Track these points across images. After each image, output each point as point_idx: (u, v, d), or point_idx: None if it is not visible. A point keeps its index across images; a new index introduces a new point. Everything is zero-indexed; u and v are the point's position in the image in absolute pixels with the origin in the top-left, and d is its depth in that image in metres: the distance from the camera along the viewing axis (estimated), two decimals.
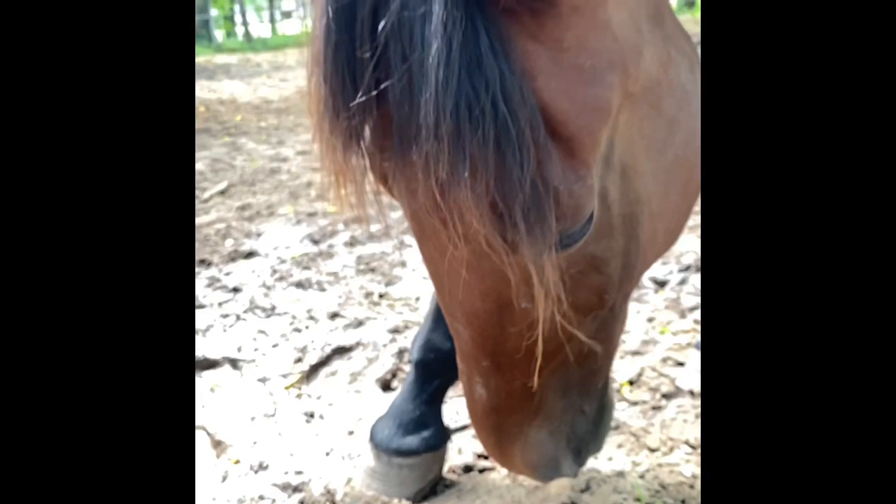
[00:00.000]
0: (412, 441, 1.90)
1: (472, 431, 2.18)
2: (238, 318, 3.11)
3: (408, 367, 2.55)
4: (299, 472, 2.07)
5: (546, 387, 1.15)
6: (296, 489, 2.01)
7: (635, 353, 2.58)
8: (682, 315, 2.85)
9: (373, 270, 3.55)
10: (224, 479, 2.07)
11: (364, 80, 0.82)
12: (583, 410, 1.29)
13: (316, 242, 4.03)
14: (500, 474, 1.99)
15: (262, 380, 2.60)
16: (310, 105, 0.88)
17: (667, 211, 1.15)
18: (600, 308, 1.12)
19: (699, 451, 2.02)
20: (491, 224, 0.83)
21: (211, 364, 2.73)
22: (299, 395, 2.49)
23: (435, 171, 0.79)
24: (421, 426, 1.92)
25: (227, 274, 3.64)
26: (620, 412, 2.24)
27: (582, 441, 1.33)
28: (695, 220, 3.87)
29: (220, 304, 3.26)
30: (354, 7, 0.80)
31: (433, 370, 1.93)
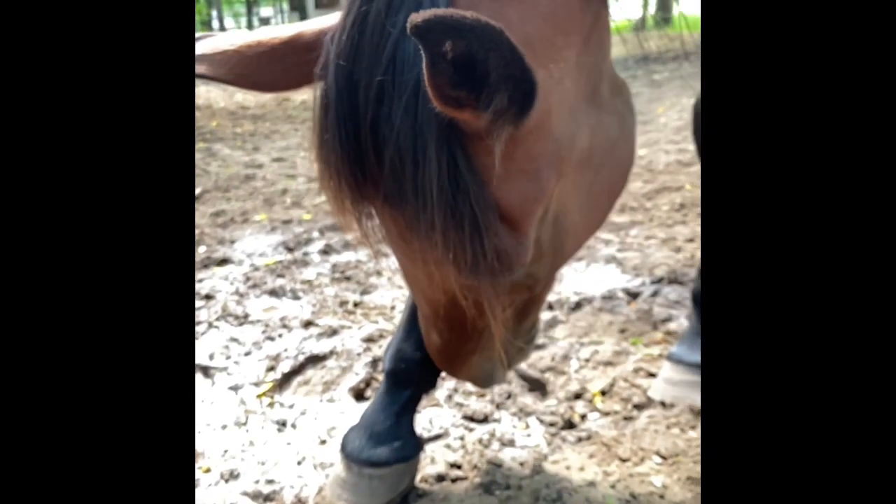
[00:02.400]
0: (383, 452, 1.89)
1: (445, 441, 2.19)
2: (210, 325, 3.08)
3: (381, 377, 2.55)
4: (270, 481, 2.05)
5: (486, 333, 1.42)
6: (267, 498, 1.99)
7: (607, 363, 2.60)
8: (655, 327, 2.89)
9: (347, 279, 3.54)
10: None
11: (371, 177, 1.09)
12: (513, 344, 1.59)
13: (290, 250, 4.01)
14: (472, 483, 1.99)
15: (234, 388, 2.58)
16: (323, 187, 1.15)
17: (591, 224, 1.46)
18: (530, 293, 1.44)
19: (670, 461, 2.04)
20: (461, 281, 1.15)
21: None
22: (271, 404, 2.47)
23: (431, 255, 1.08)
24: (392, 437, 1.91)
25: (200, 281, 3.60)
26: (592, 422, 2.26)
27: (512, 358, 1.67)
28: (667, 232, 3.92)
29: None
30: (359, 135, 1.05)
31: (404, 380, 1.93)
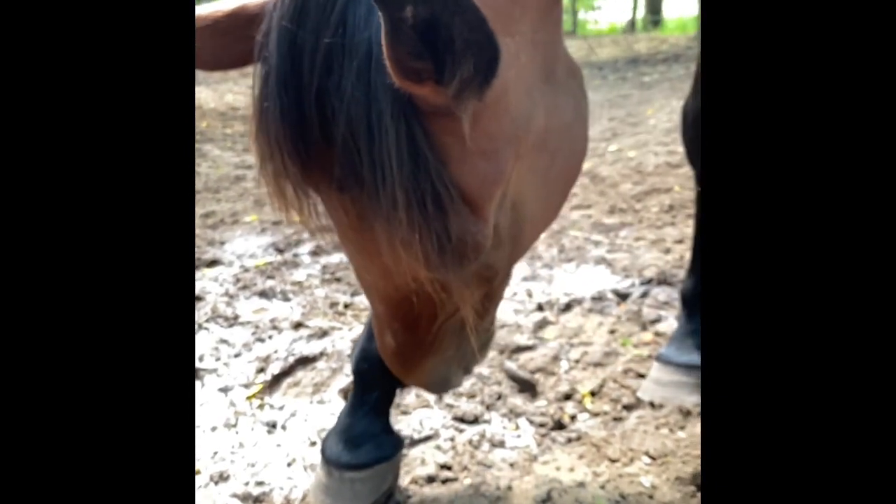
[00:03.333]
0: (361, 454, 1.88)
1: (435, 442, 2.19)
2: (200, 326, 3.07)
3: None
4: (260, 483, 2.05)
5: (441, 334, 1.38)
6: (256, 500, 1.99)
7: (597, 364, 2.61)
8: (644, 327, 2.90)
9: (338, 280, 3.54)
10: None
11: (317, 156, 0.99)
12: (470, 345, 1.51)
13: (280, 251, 4.00)
14: (462, 484, 2.00)
15: (224, 389, 2.57)
16: (262, 169, 1.05)
17: (547, 214, 1.41)
18: (489, 287, 1.38)
19: (659, 461, 2.05)
20: (425, 270, 1.06)
21: None
22: (261, 406, 2.47)
23: (397, 236, 0.99)
24: (368, 437, 1.90)
25: None
26: (582, 423, 2.27)
27: (468, 362, 1.60)
28: (657, 233, 3.94)
29: None
30: (303, 105, 0.96)
31: (371, 380, 1.91)
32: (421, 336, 1.35)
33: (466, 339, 1.46)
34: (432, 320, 1.31)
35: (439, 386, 1.57)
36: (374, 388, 1.92)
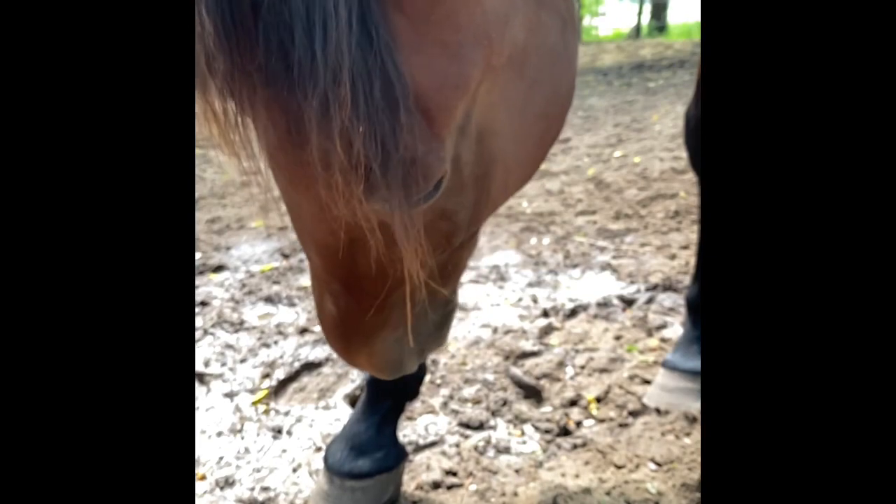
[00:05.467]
0: (364, 463, 1.87)
1: (440, 448, 2.19)
2: (206, 332, 3.08)
3: None
4: (266, 489, 2.05)
5: (392, 304, 1.16)
6: None
7: (603, 370, 2.61)
8: (650, 333, 2.90)
9: None
10: None
11: (246, 34, 0.76)
12: (427, 319, 1.30)
13: (286, 257, 4.01)
14: (468, 490, 2.00)
15: (230, 395, 2.57)
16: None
17: (521, 163, 1.19)
18: (448, 247, 1.16)
19: (665, 468, 2.05)
20: (356, 182, 0.82)
21: None
22: (267, 411, 2.47)
23: (338, 117, 0.75)
24: (374, 447, 1.89)
25: (195, 287, 3.60)
26: (587, 429, 2.26)
27: (425, 342, 1.38)
28: (662, 239, 3.93)
29: None
30: None
31: (384, 389, 1.90)
32: (367, 303, 1.12)
33: (423, 314, 1.25)
34: (380, 281, 1.09)
35: (390, 369, 1.31)
36: (385, 398, 1.91)
